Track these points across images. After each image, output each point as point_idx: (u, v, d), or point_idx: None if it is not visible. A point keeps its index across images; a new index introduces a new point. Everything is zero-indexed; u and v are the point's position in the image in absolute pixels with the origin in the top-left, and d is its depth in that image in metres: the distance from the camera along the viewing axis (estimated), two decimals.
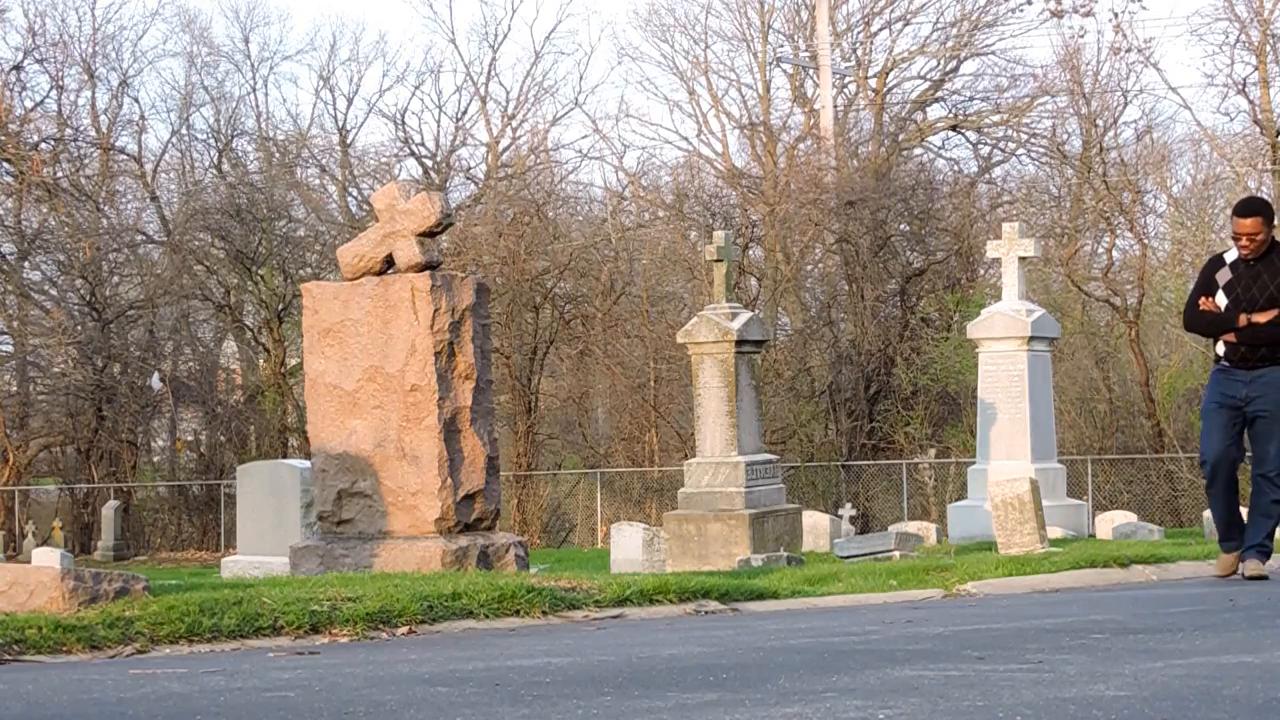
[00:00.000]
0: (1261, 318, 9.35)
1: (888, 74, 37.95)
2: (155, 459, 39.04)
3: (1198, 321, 9.74)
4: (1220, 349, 9.56)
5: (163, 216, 39.48)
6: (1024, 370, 18.84)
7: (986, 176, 37.56)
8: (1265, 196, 31.48)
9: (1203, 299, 9.56)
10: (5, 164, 36.89)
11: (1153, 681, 4.20)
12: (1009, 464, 18.10)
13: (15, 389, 37.18)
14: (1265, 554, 9.61)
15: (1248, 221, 9.50)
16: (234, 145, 42.26)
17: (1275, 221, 9.67)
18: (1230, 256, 9.59)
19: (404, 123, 43.12)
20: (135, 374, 36.30)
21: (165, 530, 35.99)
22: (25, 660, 5.49)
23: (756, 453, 19.70)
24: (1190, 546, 12.59)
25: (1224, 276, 9.54)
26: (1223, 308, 9.45)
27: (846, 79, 37.99)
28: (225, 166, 41.44)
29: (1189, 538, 17.80)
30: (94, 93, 39.97)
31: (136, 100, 48.28)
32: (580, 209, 39.80)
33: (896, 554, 14.42)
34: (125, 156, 40.49)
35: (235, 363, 40.30)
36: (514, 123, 40.66)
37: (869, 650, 5.26)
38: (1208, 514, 21.05)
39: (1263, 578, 9.42)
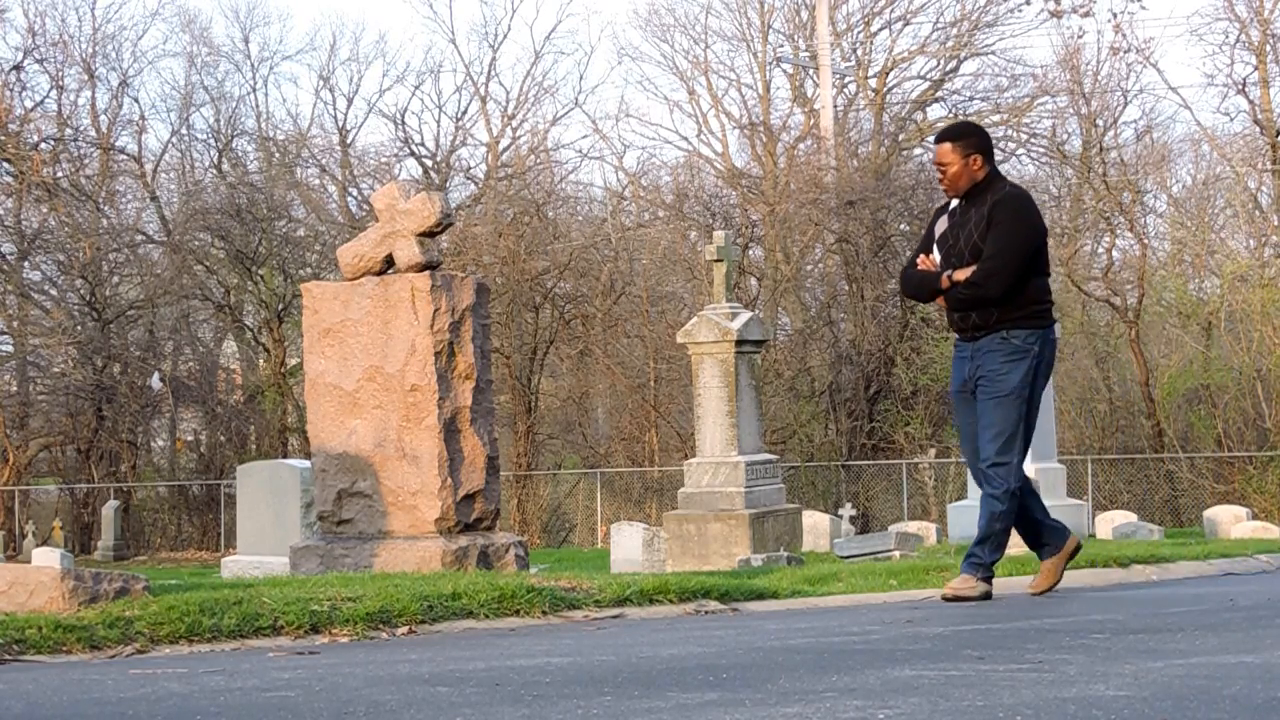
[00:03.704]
0: (960, 275, 7.64)
1: (888, 74, 37.96)
2: (155, 459, 39.05)
3: (908, 283, 8.01)
4: (949, 318, 7.92)
5: (163, 216, 39.50)
6: None
7: None
8: (1265, 197, 31.59)
9: (922, 257, 7.85)
10: (5, 164, 36.89)
11: (1153, 681, 4.21)
12: None
13: (15, 389, 37.19)
14: (976, 566, 7.70)
15: (939, 148, 7.82)
16: (234, 145, 42.31)
17: (977, 153, 7.78)
18: (955, 202, 7.85)
19: (404, 123, 43.28)
20: (135, 374, 36.30)
21: (165, 530, 36.00)
22: (25, 660, 5.49)
23: (756, 453, 19.70)
24: (1190, 546, 12.59)
25: (941, 227, 7.85)
26: (938, 264, 7.76)
27: (846, 79, 38.00)
28: (225, 166, 41.47)
29: (1189, 538, 17.80)
30: (94, 93, 40.03)
31: (136, 100, 48.42)
32: (580, 209, 39.84)
33: (896, 554, 14.41)
34: (125, 156, 40.51)
35: (235, 363, 40.32)
36: (514, 123, 40.71)
37: (869, 650, 5.26)
38: (1208, 513, 21.16)
39: (962, 598, 7.60)
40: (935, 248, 7.80)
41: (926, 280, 7.78)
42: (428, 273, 9.67)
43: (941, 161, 7.79)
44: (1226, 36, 30.55)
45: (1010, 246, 7.59)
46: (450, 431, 9.61)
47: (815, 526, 21.03)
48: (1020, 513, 7.81)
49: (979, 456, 7.72)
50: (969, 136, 7.87)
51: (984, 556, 7.74)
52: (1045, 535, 7.91)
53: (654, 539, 18.88)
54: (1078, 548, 8.01)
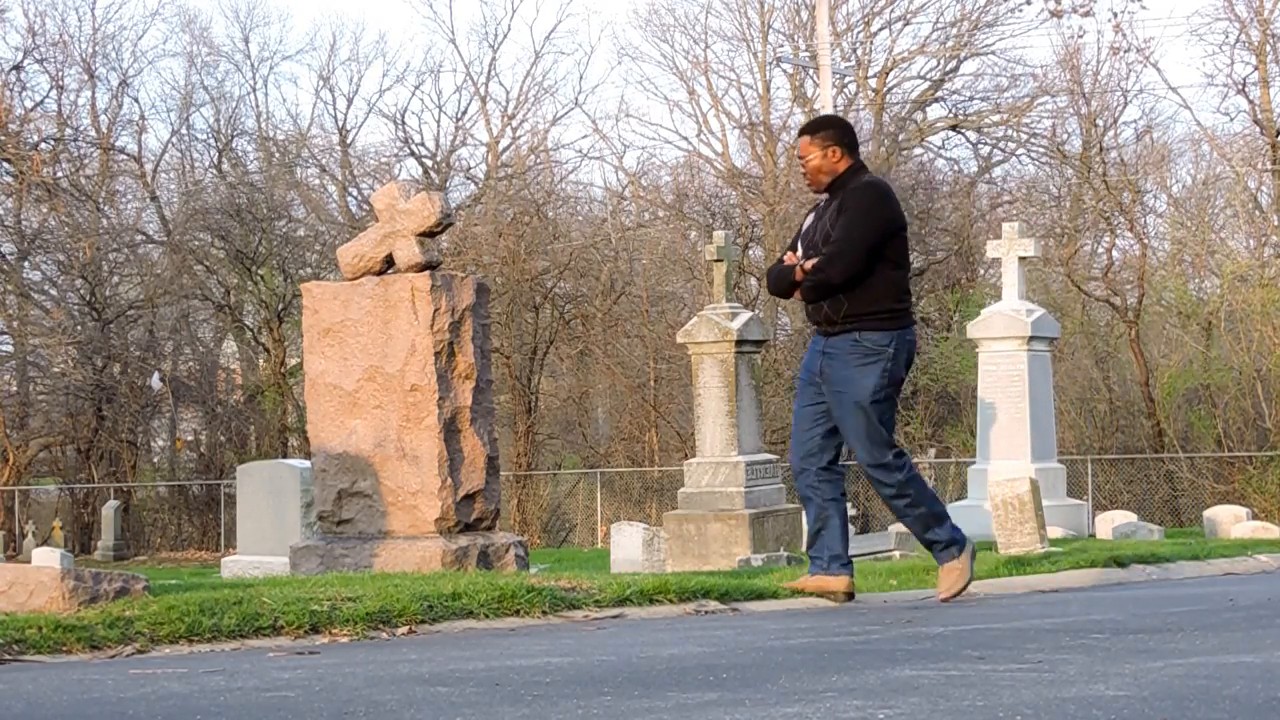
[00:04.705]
0: (810, 265, 7.45)
1: (888, 74, 37.95)
2: (155, 459, 39.06)
3: (769, 278, 7.87)
4: (805, 311, 7.84)
5: (163, 216, 39.52)
6: (1024, 370, 18.84)
7: (986, 176, 37.59)
8: (1265, 197, 31.61)
9: (788, 254, 7.69)
10: (5, 164, 36.89)
11: (1153, 681, 4.21)
12: (1009, 464, 18.11)
13: (15, 389, 37.20)
14: (944, 548, 7.66)
15: (799, 142, 7.69)
16: (234, 145, 42.32)
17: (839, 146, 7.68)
18: (824, 199, 7.72)
19: (404, 123, 43.25)
20: (135, 374, 36.31)
21: (165, 530, 36.02)
22: (25, 660, 5.49)
23: (756, 452, 19.69)
24: (1190, 546, 12.59)
25: (807, 223, 7.74)
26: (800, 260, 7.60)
27: (846, 79, 37.98)
28: (225, 166, 41.48)
29: (1189, 538, 17.80)
30: (94, 93, 40.05)
31: (136, 100, 48.39)
32: (580, 209, 39.85)
33: (896, 554, 14.43)
34: (125, 156, 40.52)
35: (235, 363, 40.34)
36: (514, 123, 40.71)
37: (869, 650, 5.26)
38: (1208, 513, 21.13)
39: (959, 593, 7.63)
40: (799, 244, 7.66)
41: (784, 274, 7.61)
42: (428, 273, 9.66)
43: (801, 155, 7.65)
44: (1226, 36, 30.57)
45: (854, 233, 7.39)
46: (450, 431, 9.60)
47: None
48: (823, 519, 7.63)
49: (859, 459, 7.57)
50: (828, 129, 7.73)
51: (941, 536, 7.62)
52: (825, 549, 7.65)
53: (654, 539, 18.87)
54: (831, 594, 7.68)
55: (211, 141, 42.18)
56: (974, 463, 19.66)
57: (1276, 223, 31.56)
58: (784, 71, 39.07)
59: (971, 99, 37.91)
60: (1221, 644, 5.20)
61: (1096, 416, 30.45)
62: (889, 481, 7.53)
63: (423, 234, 9.75)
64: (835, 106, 36.49)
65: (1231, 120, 36.73)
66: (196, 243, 37.89)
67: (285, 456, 32.80)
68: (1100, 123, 32.56)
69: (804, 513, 7.72)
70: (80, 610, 6.04)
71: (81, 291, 36.52)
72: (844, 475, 7.78)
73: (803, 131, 7.78)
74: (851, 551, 14.72)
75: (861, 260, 7.39)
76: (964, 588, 7.66)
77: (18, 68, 37.52)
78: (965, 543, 7.66)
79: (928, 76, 38.21)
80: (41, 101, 38.93)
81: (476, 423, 9.73)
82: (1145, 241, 31.73)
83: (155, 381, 37.23)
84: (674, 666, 4.83)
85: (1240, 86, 30.14)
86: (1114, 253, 32.55)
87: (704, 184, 36.28)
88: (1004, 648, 5.24)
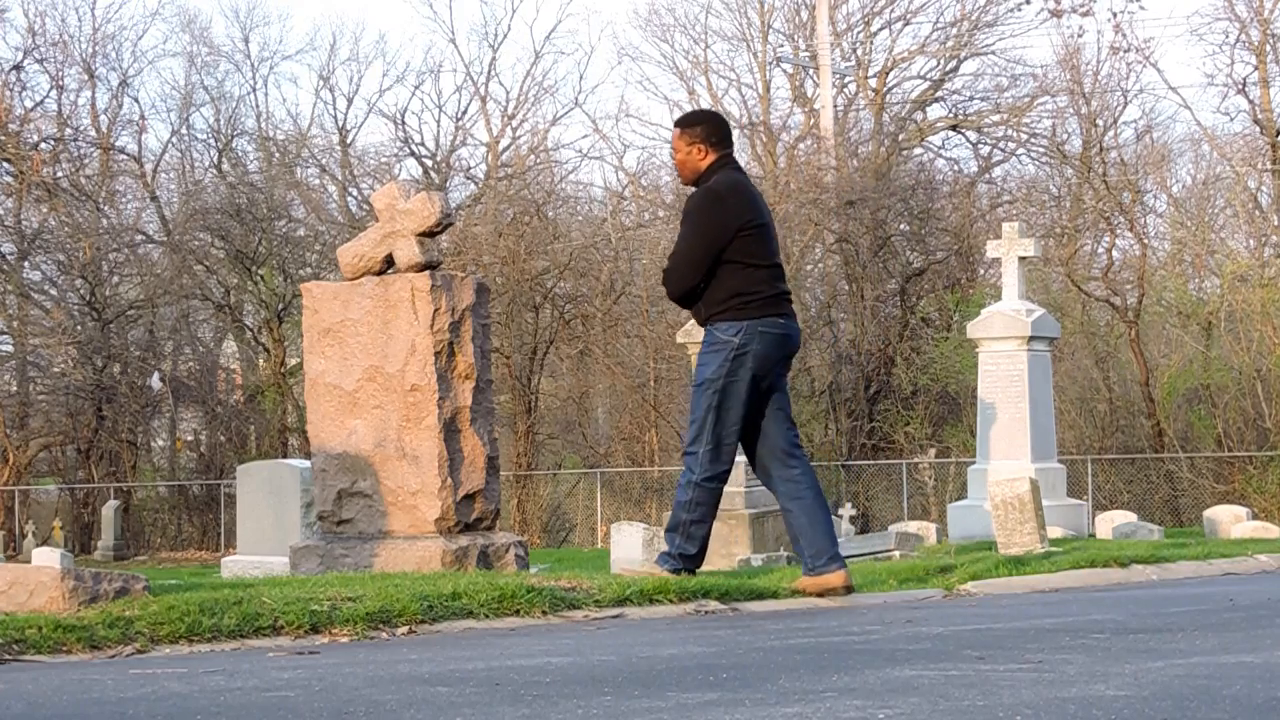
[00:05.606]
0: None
1: (888, 74, 37.95)
2: (155, 459, 39.05)
3: None
4: None
5: (163, 216, 39.50)
6: (1024, 370, 18.83)
7: (986, 176, 37.57)
8: (1265, 197, 31.61)
9: None
10: (5, 164, 36.88)
11: (1153, 681, 4.21)
12: (1009, 464, 18.10)
13: (15, 389, 37.19)
14: (665, 557, 7.69)
15: (672, 134, 7.68)
16: (234, 145, 42.30)
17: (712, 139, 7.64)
18: None
19: (404, 123, 43.19)
20: (135, 374, 36.30)
21: (165, 530, 36.01)
22: (25, 660, 5.49)
23: None
24: (1190, 546, 12.59)
25: None
26: None
27: (846, 79, 37.99)
28: (225, 166, 41.46)
29: (1189, 538, 17.80)
30: (94, 93, 40.04)
31: (136, 100, 48.34)
32: (580, 209, 39.82)
33: (896, 554, 14.42)
34: (125, 156, 40.51)
35: (235, 363, 40.32)
36: (514, 123, 40.72)
37: (869, 650, 5.26)
38: (1208, 513, 21.15)
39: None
40: None
41: None
42: (428, 273, 9.66)
43: (673, 148, 7.63)
44: (1226, 36, 30.57)
45: (683, 246, 7.43)
46: (450, 431, 9.60)
47: None
48: (789, 523, 7.62)
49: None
50: (696, 125, 7.65)
51: (671, 546, 7.64)
52: (803, 550, 7.57)
53: (654, 539, 18.86)
54: (831, 590, 7.57)
55: (211, 141, 42.21)
56: (974, 463, 19.65)
57: (1276, 223, 31.55)
58: (784, 71, 39.10)
59: (971, 99, 37.93)
60: (1221, 644, 5.20)
61: (1096, 416, 30.43)
62: (686, 471, 7.58)
63: (423, 234, 9.75)
64: (835, 106, 36.53)
65: (1231, 120, 36.77)
66: (196, 243, 37.87)
67: (285, 456, 32.79)
68: (1100, 123, 32.55)
69: None
70: (80, 610, 6.04)
71: (81, 291, 36.51)
72: (804, 469, 7.67)
73: (675, 124, 7.74)
74: (852, 551, 14.76)
75: (692, 273, 7.42)
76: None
77: (18, 68, 37.52)
78: (677, 570, 7.61)
79: (928, 76, 38.23)
80: (41, 101, 38.97)
81: (476, 423, 9.73)
82: (1145, 241, 31.72)
83: (155, 381, 37.22)
84: (674, 666, 4.83)
85: (1240, 86, 30.15)
86: (1114, 253, 32.54)
87: None
88: (1004, 648, 5.24)
